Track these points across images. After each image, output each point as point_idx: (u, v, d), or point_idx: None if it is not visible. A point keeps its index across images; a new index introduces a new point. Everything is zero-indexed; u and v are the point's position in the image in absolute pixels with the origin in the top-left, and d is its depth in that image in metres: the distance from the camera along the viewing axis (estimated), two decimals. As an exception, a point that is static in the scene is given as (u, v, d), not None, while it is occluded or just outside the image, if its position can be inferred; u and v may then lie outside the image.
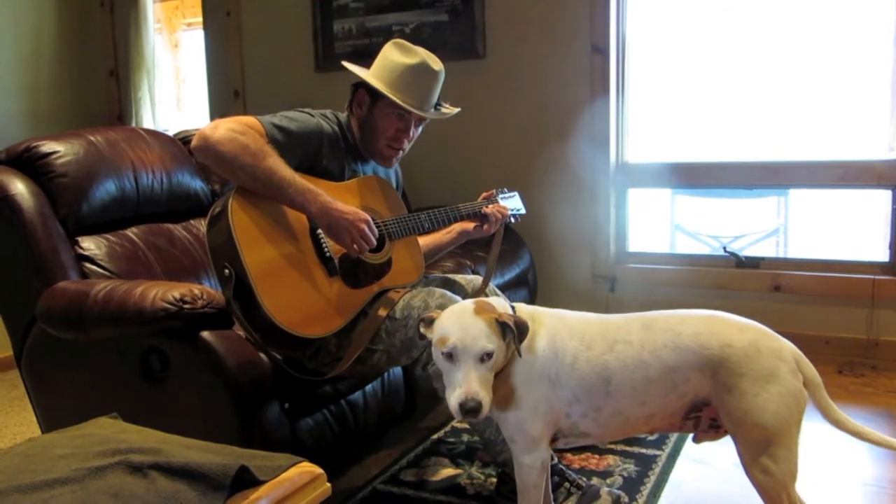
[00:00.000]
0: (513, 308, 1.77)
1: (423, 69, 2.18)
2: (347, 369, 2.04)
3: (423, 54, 2.19)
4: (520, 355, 1.67)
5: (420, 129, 2.29)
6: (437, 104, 2.27)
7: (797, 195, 4.39)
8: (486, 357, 1.60)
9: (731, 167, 3.71)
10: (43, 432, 2.33)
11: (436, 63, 2.20)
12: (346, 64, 2.29)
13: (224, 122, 2.02)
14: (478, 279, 2.36)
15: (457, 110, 2.32)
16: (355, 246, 2.02)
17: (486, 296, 2.21)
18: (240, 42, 4.59)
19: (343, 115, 2.30)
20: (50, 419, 2.33)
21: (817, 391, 1.66)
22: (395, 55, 2.19)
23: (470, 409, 1.57)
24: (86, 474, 1.29)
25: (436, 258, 2.49)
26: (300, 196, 1.98)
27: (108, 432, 1.49)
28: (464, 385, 1.58)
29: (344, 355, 2.05)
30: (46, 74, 4.75)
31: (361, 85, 2.23)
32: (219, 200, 2.03)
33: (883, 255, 3.44)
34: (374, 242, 2.05)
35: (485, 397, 1.58)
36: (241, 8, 4.54)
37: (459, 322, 1.63)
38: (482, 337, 1.60)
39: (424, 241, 2.38)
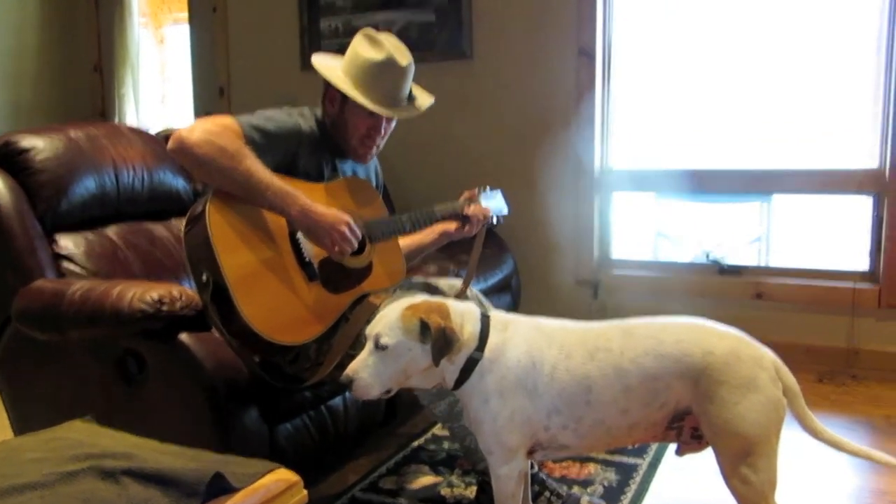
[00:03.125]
0: (486, 317, 1.75)
1: (389, 65, 2.13)
2: (328, 375, 2.02)
3: (390, 48, 2.14)
4: (436, 364, 1.65)
5: (394, 123, 2.26)
6: (411, 95, 2.24)
7: (779, 202, 4.41)
8: (379, 346, 1.64)
9: (715, 174, 3.72)
10: (16, 435, 2.30)
11: (403, 57, 2.15)
12: (315, 63, 2.21)
13: (200, 123, 1.98)
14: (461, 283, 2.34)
15: (430, 101, 2.28)
16: (336, 249, 1.99)
17: (466, 298, 2.20)
18: (226, 38, 4.55)
19: (319, 112, 2.27)
20: (23, 422, 2.29)
21: (796, 400, 1.66)
22: (363, 49, 2.15)
23: (341, 381, 1.66)
24: (57, 479, 1.27)
25: (417, 259, 2.47)
26: (279, 199, 1.95)
27: (82, 436, 1.47)
28: (353, 362, 1.66)
29: (324, 361, 2.03)
30: (29, 68, 4.70)
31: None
32: (197, 202, 2.00)
33: (863, 264, 3.45)
34: (356, 245, 2.03)
35: (363, 378, 1.64)
36: (227, 4, 4.51)
37: (384, 310, 1.71)
38: (383, 327, 1.65)
39: (405, 241, 2.35)
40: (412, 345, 1.64)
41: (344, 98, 2.17)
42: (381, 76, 2.13)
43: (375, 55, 2.13)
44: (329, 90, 2.22)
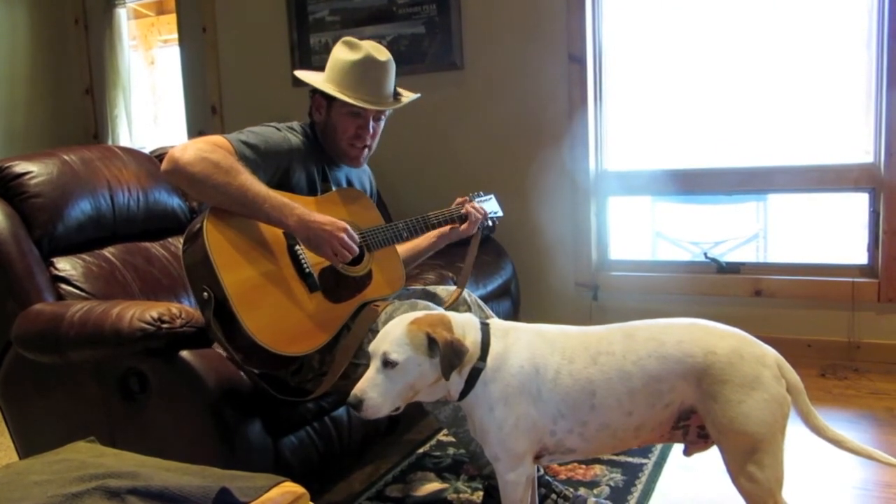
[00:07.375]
0: (486, 325, 1.75)
1: (368, 62, 2.17)
2: (332, 385, 2.02)
3: (367, 47, 2.19)
4: (446, 378, 1.64)
5: (382, 122, 2.29)
6: (396, 94, 2.27)
7: (776, 200, 4.42)
8: (388, 363, 1.61)
9: (710, 173, 3.73)
10: (20, 458, 2.29)
11: (381, 54, 2.20)
12: (298, 73, 2.30)
13: (192, 143, 2.00)
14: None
15: (416, 96, 2.32)
16: (336, 256, 2.00)
17: (458, 306, 2.20)
18: (216, 58, 4.57)
19: (308, 124, 2.30)
20: (27, 444, 2.29)
21: (799, 397, 1.66)
22: (341, 53, 2.20)
23: (349, 403, 1.62)
24: (62, 501, 1.26)
25: (415, 264, 2.48)
26: (276, 211, 1.96)
27: (86, 457, 1.46)
28: (359, 382, 1.62)
29: (328, 371, 2.03)
30: (21, 95, 4.70)
31: (316, 90, 2.23)
32: (194, 220, 2.01)
33: (862, 258, 3.46)
34: (356, 251, 2.03)
35: (373, 398, 1.61)
36: (216, 24, 4.53)
37: (387, 326, 1.68)
38: (391, 344, 1.62)
39: (402, 247, 2.36)
40: (421, 360, 1.63)
41: (329, 102, 2.21)
42: (363, 75, 2.17)
43: (354, 55, 2.17)
44: (315, 99, 2.26)
